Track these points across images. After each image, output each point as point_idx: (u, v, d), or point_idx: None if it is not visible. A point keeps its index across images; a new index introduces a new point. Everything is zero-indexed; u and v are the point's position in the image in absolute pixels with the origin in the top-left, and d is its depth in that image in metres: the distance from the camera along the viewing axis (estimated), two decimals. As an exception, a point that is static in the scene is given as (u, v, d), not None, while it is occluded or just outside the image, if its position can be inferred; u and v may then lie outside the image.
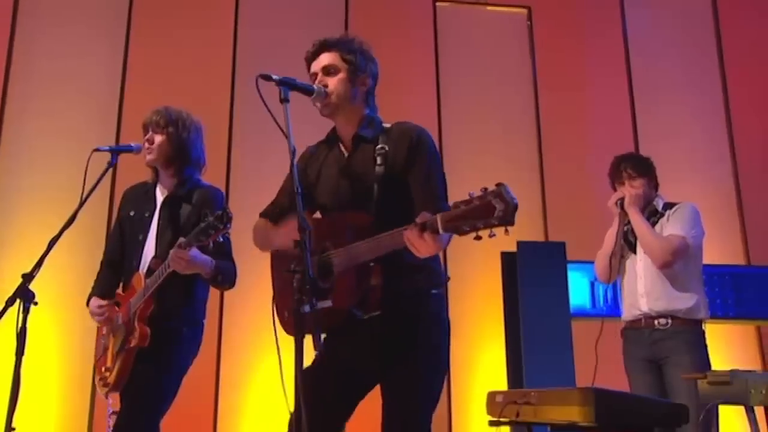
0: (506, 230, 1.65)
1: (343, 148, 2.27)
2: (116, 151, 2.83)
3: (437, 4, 5.80)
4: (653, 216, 3.42)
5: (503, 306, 4.68)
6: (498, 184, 1.66)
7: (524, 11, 5.93)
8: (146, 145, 2.87)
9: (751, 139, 5.84)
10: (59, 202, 4.90)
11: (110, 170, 4.91)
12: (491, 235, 1.69)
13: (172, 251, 2.57)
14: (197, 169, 3.00)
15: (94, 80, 5.17)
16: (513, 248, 4.58)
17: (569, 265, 4.64)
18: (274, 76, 2.02)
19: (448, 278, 2.21)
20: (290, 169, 1.94)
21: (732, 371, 2.53)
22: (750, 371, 2.58)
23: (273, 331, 4.79)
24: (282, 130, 1.96)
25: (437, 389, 2.11)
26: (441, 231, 1.75)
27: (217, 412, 4.66)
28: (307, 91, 2.12)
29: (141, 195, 2.98)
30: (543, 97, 5.72)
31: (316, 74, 2.21)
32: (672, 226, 3.32)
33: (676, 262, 3.26)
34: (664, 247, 3.25)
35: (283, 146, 5.41)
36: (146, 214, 2.91)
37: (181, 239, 2.55)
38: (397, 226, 1.95)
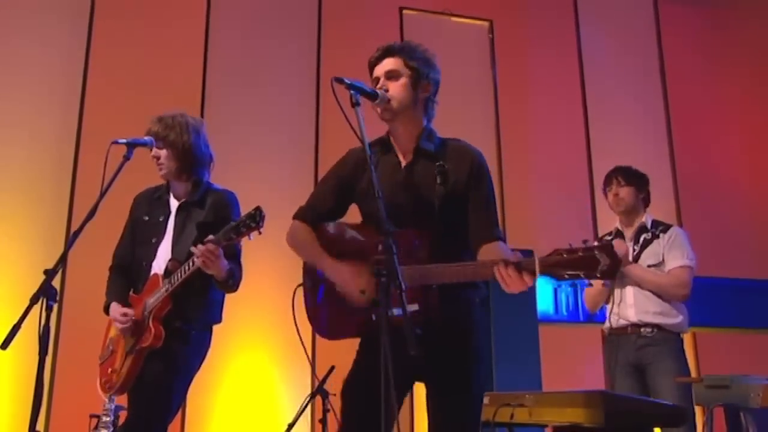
0: (604, 284, 1.74)
1: (399, 157, 2.25)
2: (132, 145, 2.72)
3: (404, 12, 5.89)
4: (644, 233, 3.58)
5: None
6: (606, 242, 1.75)
7: (486, 24, 6.11)
8: (155, 161, 2.83)
9: (689, 157, 6.24)
10: (13, 192, 4.67)
11: (72, 164, 4.80)
12: (586, 285, 1.79)
13: (201, 246, 2.51)
14: (206, 166, 2.95)
15: (54, 69, 4.93)
16: (483, 255, 4.71)
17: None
18: (346, 80, 2.02)
19: (487, 292, 2.27)
20: (358, 165, 1.92)
21: (731, 376, 2.71)
22: (747, 375, 2.77)
23: (250, 330, 4.74)
24: (356, 134, 1.96)
25: (484, 393, 2.17)
26: (538, 273, 1.80)
27: (185, 416, 4.54)
28: (372, 96, 2.12)
29: (154, 200, 2.93)
30: (502, 106, 5.91)
31: (378, 78, 2.21)
32: (674, 258, 3.48)
33: (690, 291, 3.45)
34: (675, 284, 3.43)
35: (252, 144, 5.36)
36: (161, 218, 2.86)
37: (211, 236, 2.51)
38: (453, 243, 2.01)
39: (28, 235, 4.57)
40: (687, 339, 5.77)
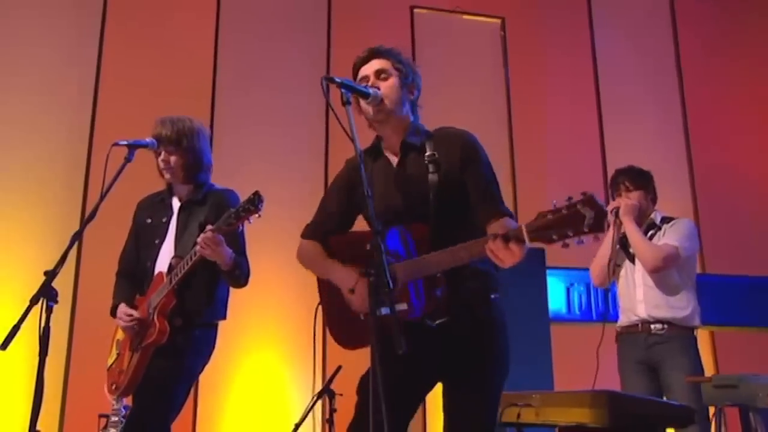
0: (596, 237, 1.67)
1: (390, 158, 2.25)
2: (133, 147, 2.74)
3: (415, 10, 5.88)
4: (651, 229, 3.54)
5: (482, 310, 4.76)
6: (584, 193, 1.67)
7: (498, 21, 6.07)
8: (162, 164, 2.84)
9: (707, 154, 6.15)
10: (28, 194, 4.73)
11: (84, 165, 4.85)
12: (579, 242, 1.70)
13: (202, 235, 2.54)
14: (208, 171, 2.99)
15: (67, 71, 4.99)
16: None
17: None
18: (337, 79, 2.01)
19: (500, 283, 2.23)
20: (353, 172, 1.92)
21: (740, 375, 2.66)
22: (756, 375, 2.72)
23: (261, 330, 4.75)
24: (347, 133, 1.94)
25: (500, 392, 2.15)
26: (527, 241, 1.76)
27: (196, 415, 4.57)
28: (364, 94, 2.11)
29: (157, 203, 2.97)
30: (515, 104, 5.86)
31: (366, 77, 2.20)
32: (667, 237, 3.47)
33: (666, 269, 3.40)
34: (655, 254, 3.39)
35: (263, 145, 5.38)
36: (163, 220, 2.89)
37: (210, 226, 2.55)
38: (454, 233, 1.96)
39: (42, 237, 4.62)
40: (705, 338, 5.71)
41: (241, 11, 5.44)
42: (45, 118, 4.87)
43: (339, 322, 2.20)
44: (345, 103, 2.00)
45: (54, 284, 5.08)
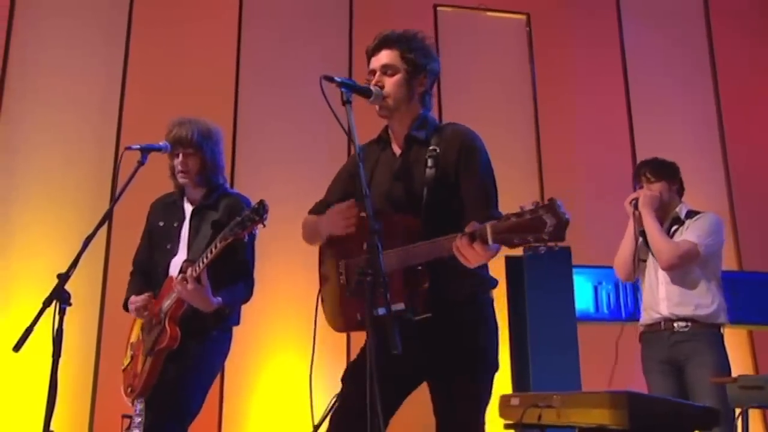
0: (556, 245, 1.64)
1: (395, 148, 2.25)
2: (146, 150, 2.77)
3: (438, 8, 5.83)
4: (676, 224, 3.45)
5: (507, 310, 4.70)
6: (550, 199, 1.64)
7: (523, 17, 5.98)
8: (179, 167, 2.85)
9: (742, 149, 5.98)
10: (56, 198, 4.81)
11: (111, 169, 4.92)
12: (541, 250, 1.67)
13: (179, 276, 2.61)
14: (221, 173, 3.00)
15: (93, 74, 5.07)
16: (518, 252, 4.60)
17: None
18: (336, 78, 2.01)
19: (497, 282, 2.20)
20: (353, 169, 1.92)
21: (767, 376, 2.57)
22: (782, 376, 2.63)
23: (286, 331, 4.76)
24: (345, 132, 1.94)
25: (489, 390, 2.12)
26: (490, 242, 1.73)
27: (221, 417, 4.60)
28: (366, 93, 2.10)
29: (169, 205, 2.99)
30: (542, 102, 5.77)
31: (374, 71, 2.18)
32: (688, 233, 3.36)
33: (682, 267, 3.30)
34: (671, 250, 3.29)
35: (285, 146, 5.39)
36: (175, 224, 2.91)
37: (187, 263, 2.63)
38: (446, 229, 1.94)
39: (70, 241, 4.68)
40: (743, 337, 5.55)
41: (262, 12, 5.46)
42: (71, 120, 4.94)
43: (331, 306, 2.22)
44: (345, 102, 1.99)
45: (83, 287, 5.13)
